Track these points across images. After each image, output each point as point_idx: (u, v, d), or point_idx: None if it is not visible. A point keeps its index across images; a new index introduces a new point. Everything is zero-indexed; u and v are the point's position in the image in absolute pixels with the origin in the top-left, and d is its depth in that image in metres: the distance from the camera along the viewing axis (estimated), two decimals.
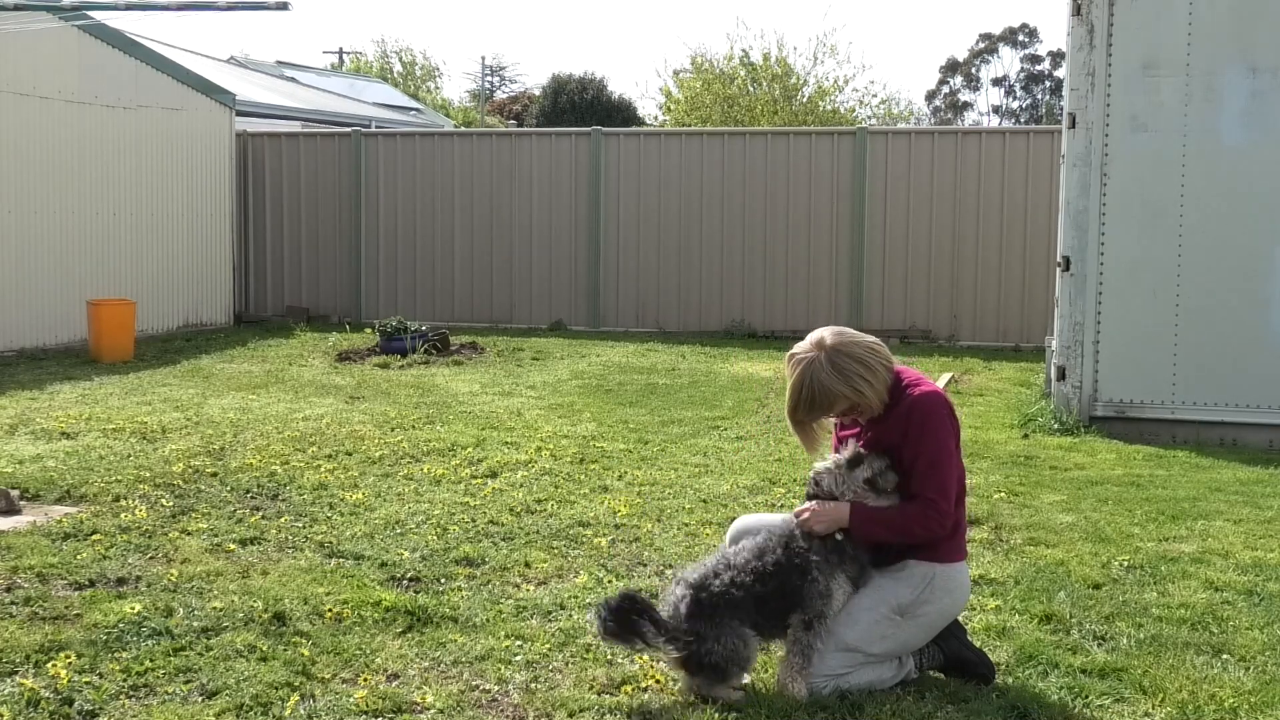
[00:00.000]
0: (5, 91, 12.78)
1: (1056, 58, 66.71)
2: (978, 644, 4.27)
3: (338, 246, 16.79)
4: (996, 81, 73.08)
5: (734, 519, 6.12)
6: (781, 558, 3.97)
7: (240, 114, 16.99)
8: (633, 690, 3.98)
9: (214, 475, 6.93)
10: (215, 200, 16.14)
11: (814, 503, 4.05)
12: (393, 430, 8.46)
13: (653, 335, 15.23)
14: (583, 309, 16.07)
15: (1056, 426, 8.90)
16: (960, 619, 4.33)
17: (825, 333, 4.00)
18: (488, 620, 4.60)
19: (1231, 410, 8.75)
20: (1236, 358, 8.72)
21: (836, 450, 4.22)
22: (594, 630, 4.05)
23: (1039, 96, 70.48)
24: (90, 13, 12.92)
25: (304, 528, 5.88)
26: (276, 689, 3.91)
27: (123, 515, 5.98)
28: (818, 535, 3.99)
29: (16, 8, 11.18)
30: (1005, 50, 72.71)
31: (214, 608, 4.63)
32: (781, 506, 6.48)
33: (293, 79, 27.36)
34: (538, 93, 44.15)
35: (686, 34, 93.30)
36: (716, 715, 3.79)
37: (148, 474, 6.88)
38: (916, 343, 14.69)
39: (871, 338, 4.05)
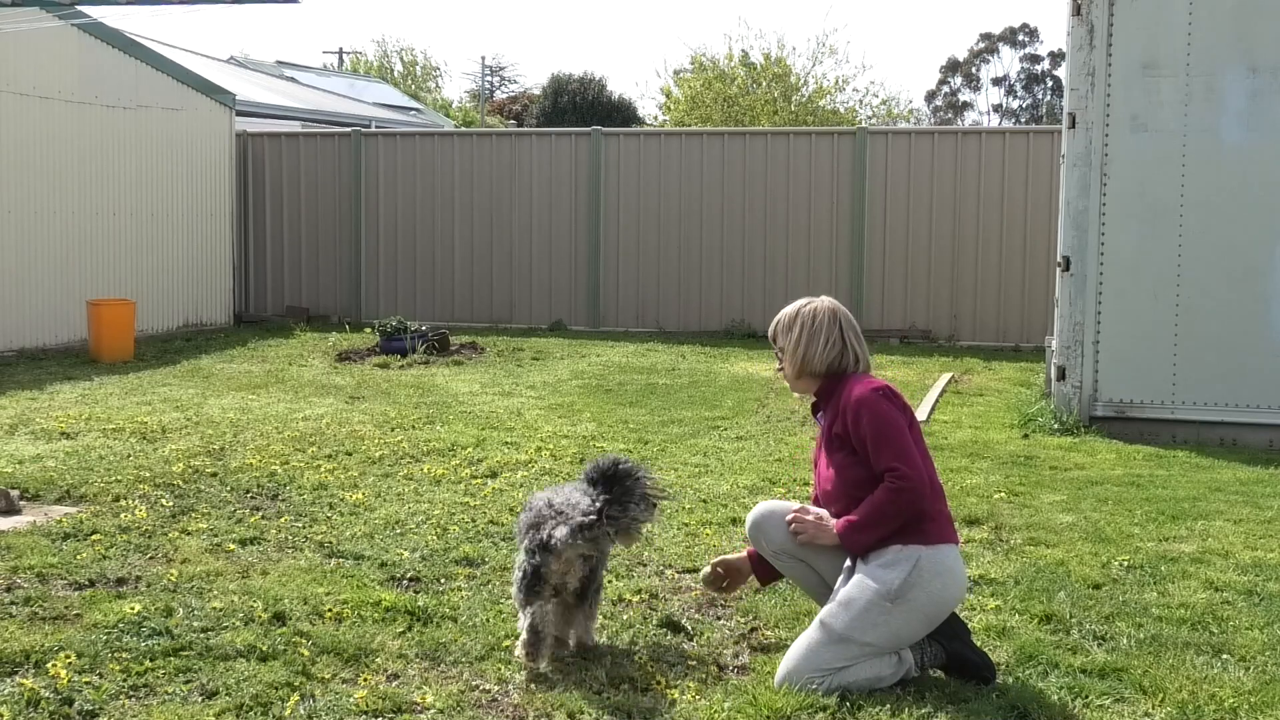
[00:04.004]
0: (5, 91, 12.78)
1: (1056, 58, 66.71)
2: (977, 644, 4.27)
3: (338, 246, 16.79)
4: (996, 81, 73.10)
5: (733, 519, 6.15)
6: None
7: (240, 114, 16.99)
8: (633, 690, 3.98)
9: (214, 475, 6.93)
10: (215, 200, 16.14)
11: (810, 519, 4.26)
12: (393, 430, 8.46)
13: (653, 335, 15.23)
14: (583, 309, 16.07)
15: (1056, 426, 8.90)
16: (963, 619, 4.33)
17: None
18: (488, 620, 4.59)
19: (1231, 410, 8.75)
20: (1236, 358, 8.72)
21: (818, 445, 4.38)
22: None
23: (1039, 96, 70.47)
24: (95, 10, 12.90)
25: (304, 528, 5.88)
26: (276, 689, 3.91)
27: (123, 515, 5.98)
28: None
29: (14, 3, 11.15)
30: (1005, 50, 72.72)
31: (214, 608, 4.62)
32: None
33: (293, 79, 27.35)
34: (538, 93, 44.14)
35: (686, 34, 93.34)
36: (717, 714, 3.80)
37: (148, 474, 6.88)
38: (916, 343, 14.69)
39: (838, 331, 4.33)
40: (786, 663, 4.03)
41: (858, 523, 4.08)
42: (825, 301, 4.42)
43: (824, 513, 4.26)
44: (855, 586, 4.04)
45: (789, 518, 4.30)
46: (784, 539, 4.32)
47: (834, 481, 4.19)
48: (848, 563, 4.20)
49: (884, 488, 4.03)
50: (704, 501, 6.56)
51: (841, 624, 3.98)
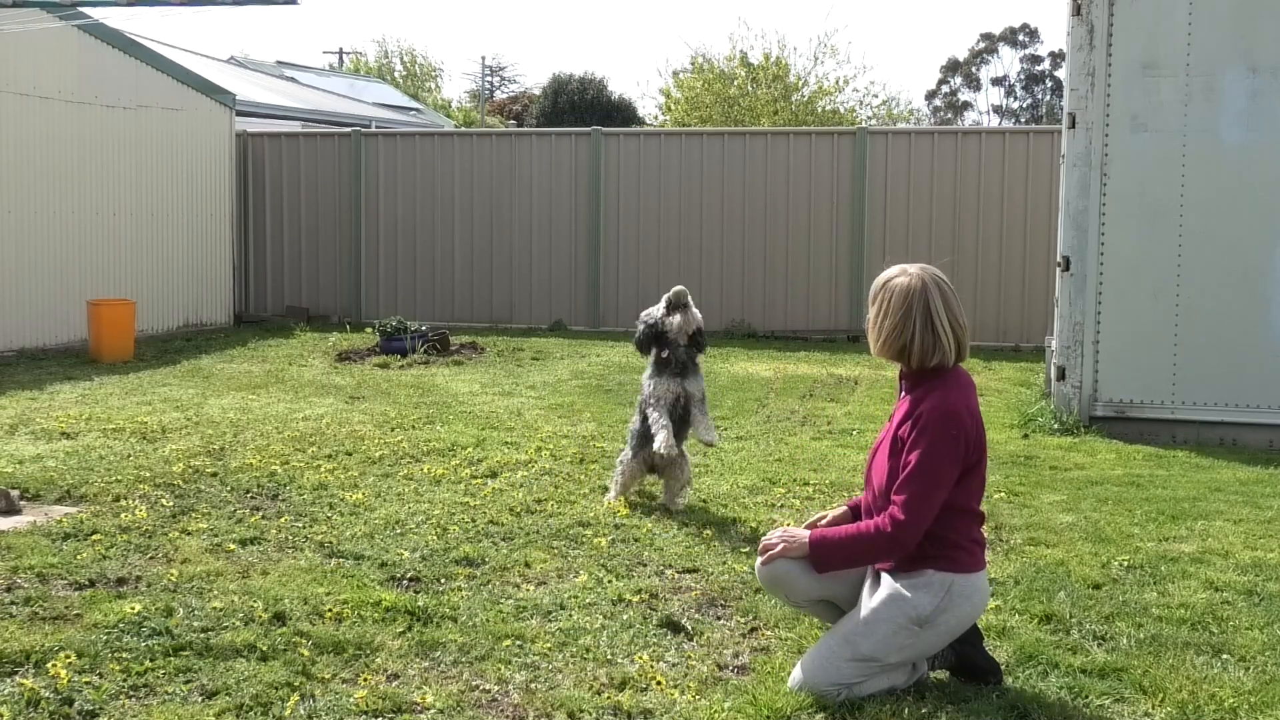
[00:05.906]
0: (5, 91, 12.78)
1: (1056, 58, 66.69)
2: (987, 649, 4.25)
3: (338, 246, 16.79)
4: (996, 81, 73.08)
5: (733, 519, 6.15)
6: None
7: (240, 114, 16.99)
8: (633, 690, 3.98)
9: (214, 475, 6.93)
10: (215, 200, 16.14)
11: (776, 540, 4.04)
12: (393, 430, 8.46)
13: None
14: (583, 309, 16.07)
15: (1056, 426, 8.91)
16: (978, 624, 4.28)
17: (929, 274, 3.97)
18: (488, 620, 4.59)
19: (1231, 410, 8.75)
20: (1236, 358, 8.72)
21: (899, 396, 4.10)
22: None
23: (1039, 96, 70.46)
24: (96, 11, 12.89)
25: (304, 528, 5.88)
26: (276, 689, 3.91)
27: (123, 515, 5.98)
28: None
29: (14, 3, 11.14)
30: (1005, 50, 72.70)
31: (214, 608, 4.62)
32: (781, 507, 6.49)
33: (293, 79, 27.36)
34: (538, 93, 44.13)
35: (688, 34, 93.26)
36: (717, 714, 3.79)
37: (148, 474, 6.88)
38: None
39: (948, 316, 3.92)
40: (804, 671, 3.95)
41: (832, 543, 3.95)
42: (911, 277, 3.92)
43: (793, 529, 4.12)
44: (884, 605, 3.91)
45: (761, 555, 4.09)
46: (807, 585, 4.08)
47: (885, 486, 3.94)
48: (869, 577, 4.07)
49: (876, 522, 3.88)
50: (704, 501, 6.56)
51: (869, 646, 3.88)
